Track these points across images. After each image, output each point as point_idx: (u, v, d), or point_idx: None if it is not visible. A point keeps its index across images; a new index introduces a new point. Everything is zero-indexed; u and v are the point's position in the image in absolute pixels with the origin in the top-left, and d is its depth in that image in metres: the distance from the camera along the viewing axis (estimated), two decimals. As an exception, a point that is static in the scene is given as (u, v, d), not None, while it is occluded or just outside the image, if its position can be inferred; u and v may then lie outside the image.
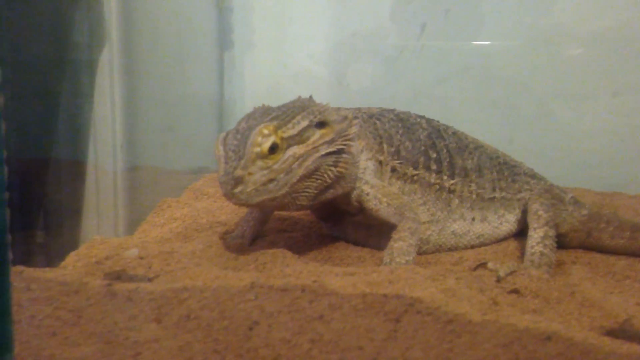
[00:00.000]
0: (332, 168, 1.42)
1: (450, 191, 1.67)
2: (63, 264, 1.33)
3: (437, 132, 1.72)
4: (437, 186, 1.65)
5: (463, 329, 1.01)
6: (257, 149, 1.34)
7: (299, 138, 1.38)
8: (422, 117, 1.77)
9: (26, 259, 1.66)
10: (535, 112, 2.55)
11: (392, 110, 1.74)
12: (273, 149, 1.34)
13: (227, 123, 2.77)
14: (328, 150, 1.41)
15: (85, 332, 1.05)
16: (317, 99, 1.59)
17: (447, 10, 2.54)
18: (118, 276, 1.16)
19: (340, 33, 2.69)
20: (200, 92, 2.66)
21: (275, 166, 1.35)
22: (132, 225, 1.94)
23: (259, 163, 1.34)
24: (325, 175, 1.41)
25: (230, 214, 1.91)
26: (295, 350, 1.02)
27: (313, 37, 2.71)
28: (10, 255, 1.03)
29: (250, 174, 1.34)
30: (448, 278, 1.22)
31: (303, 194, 1.41)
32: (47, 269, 1.16)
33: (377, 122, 1.63)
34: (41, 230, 1.85)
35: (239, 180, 1.33)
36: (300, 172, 1.37)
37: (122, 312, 1.06)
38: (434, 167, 1.65)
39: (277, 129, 1.36)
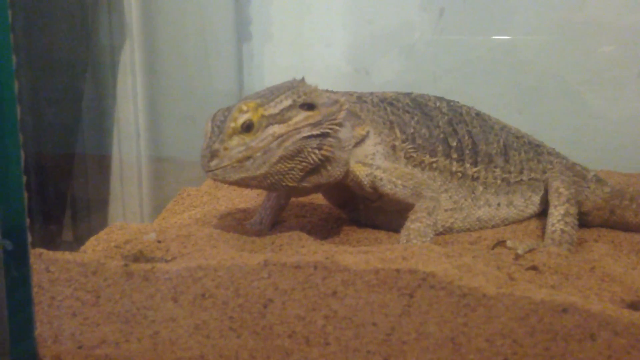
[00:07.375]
0: (316, 151, 1.37)
1: (474, 178, 1.62)
2: (83, 247, 1.36)
3: (458, 117, 1.66)
4: (460, 174, 1.60)
5: (478, 303, 1.00)
6: (233, 124, 1.33)
7: (280, 117, 1.36)
8: (442, 99, 1.71)
9: (55, 248, 1.71)
10: (562, 97, 2.50)
11: (409, 95, 1.69)
12: (249, 126, 1.33)
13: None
14: (311, 133, 1.37)
15: (104, 312, 1.08)
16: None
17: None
18: (136, 258, 1.18)
19: (358, 22, 2.68)
20: (220, 84, 2.68)
21: (253, 143, 1.33)
22: (156, 213, 1.99)
23: (236, 139, 1.33)
24: (309, 158, 1.37)
25: (250, 201, 1.92)
26: (310, 327, 1.03)
27: (331, 26, 2.70)
28: (29, 238, 1.06)
29: (226, 148, 1.33)
30: (464, 255, 1.21)
31: (287, 175, 1.37)
32: (66, 252, 1.18)
33: (388, 107, 1.59)
34: (71, 219, 1.91)
35: (214, 154, 1.33)
36: (280, 152, 1.34)
37: (140, 292, 1.07)
38: (454, 155, 1.60)
39: (258, 106, 1.35)
